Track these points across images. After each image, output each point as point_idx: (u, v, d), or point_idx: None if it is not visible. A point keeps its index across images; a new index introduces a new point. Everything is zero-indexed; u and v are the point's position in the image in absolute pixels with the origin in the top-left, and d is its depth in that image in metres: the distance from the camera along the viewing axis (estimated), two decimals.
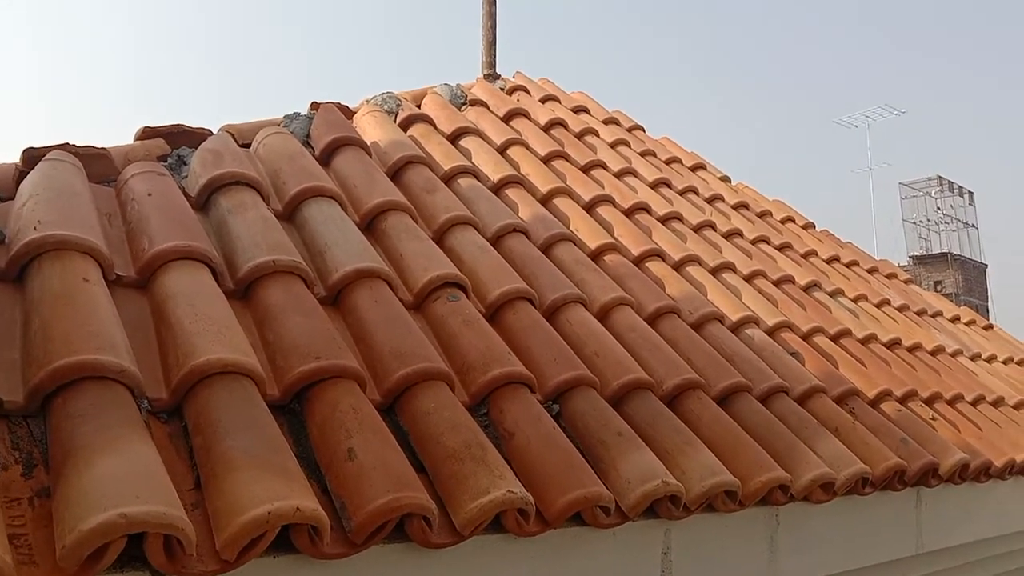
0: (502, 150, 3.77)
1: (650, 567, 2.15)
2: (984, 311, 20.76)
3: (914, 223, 23.15)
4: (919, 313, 4.82)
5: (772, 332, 3.37)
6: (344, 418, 1.75)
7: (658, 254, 3.46)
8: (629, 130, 4.95)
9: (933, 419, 3.36)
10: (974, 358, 4.56)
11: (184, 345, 1.72)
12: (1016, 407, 4.09)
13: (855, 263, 5.03)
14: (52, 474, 1.40)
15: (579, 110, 4.84)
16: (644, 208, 3.88)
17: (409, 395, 1.98)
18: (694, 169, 5.00)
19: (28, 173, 2.16)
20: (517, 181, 3.46)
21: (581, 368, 2.34)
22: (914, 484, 2.90)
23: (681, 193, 4.40)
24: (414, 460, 1.82)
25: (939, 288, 19.90)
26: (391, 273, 2.38)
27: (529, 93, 4.70)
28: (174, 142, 2.68)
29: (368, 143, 3.15)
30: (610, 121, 4.90)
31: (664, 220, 3.92)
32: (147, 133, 2.68)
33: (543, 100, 4.69)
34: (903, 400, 3.36)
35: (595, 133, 4.55)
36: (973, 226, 23.48)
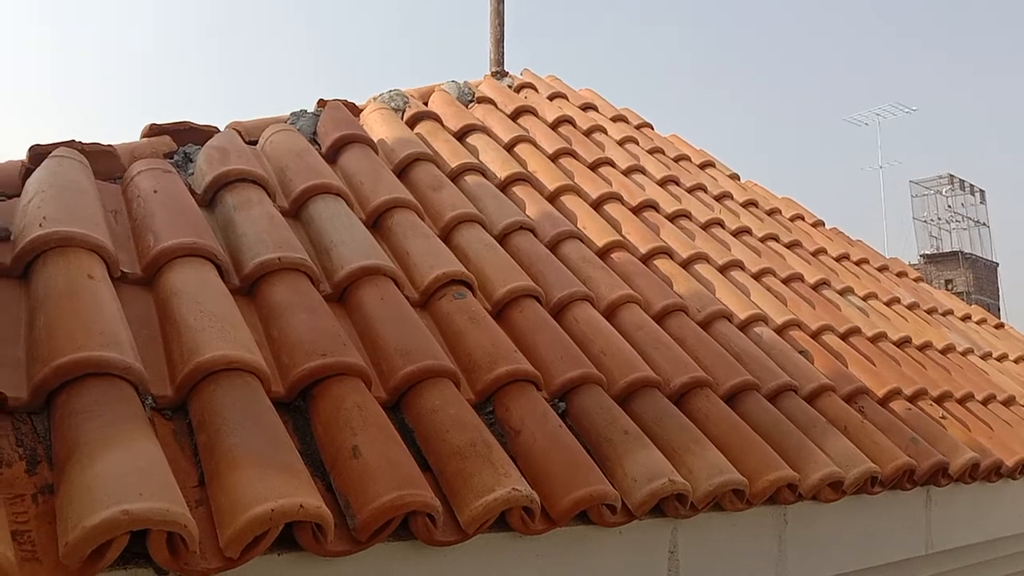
0: (509, 147, 3.76)
1: (657, 566, 2.14)
2: (995, 310, 20.65)
3: (925, 221, 23.05)
4: (929, 311, 4.79)
5: (781, 330, 3.35)
6: (349, 415, 1.74)
7: (666, 252, 3.44)
8: (637, 127, 4.94)
9: (943, 418, 3.33)
10: (985, 357, 4.52)
11: (189, 342, 1.72)
12: None
13: (865, 261, 4.99)
14: (56, 471, 1.40)
15: (587, 107, 4.82)
16: (652, 206, 3.87)
17: (414, 393, 1.97)
18: (703, 166, 4.98)
19: (34, 170, 2.16)
20: (524, 178, 3.45)
21: (588, 366, 2.32)
22: (924, 483, 2.88)
23: (689, 191, 4.38)
24: (419, 458, 1.81)
25: (950, 287, 19.79)
26: (397, 271, 2.37)
27: (537, 90, 4.69)
28: (180, 139, 2.68)
29: (375, 140, 3.15)
30: (618, 118, 4.88)
31: (672, 218, 3.90)
32: (153, 130, 2.68)
33: (551, 97, 4.68)
34: (913, 399, 3.33)
35: (603, 130, 4.54)
36: (984, 224, 23.35)
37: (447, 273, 2.43)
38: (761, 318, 3.29)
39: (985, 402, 3.78)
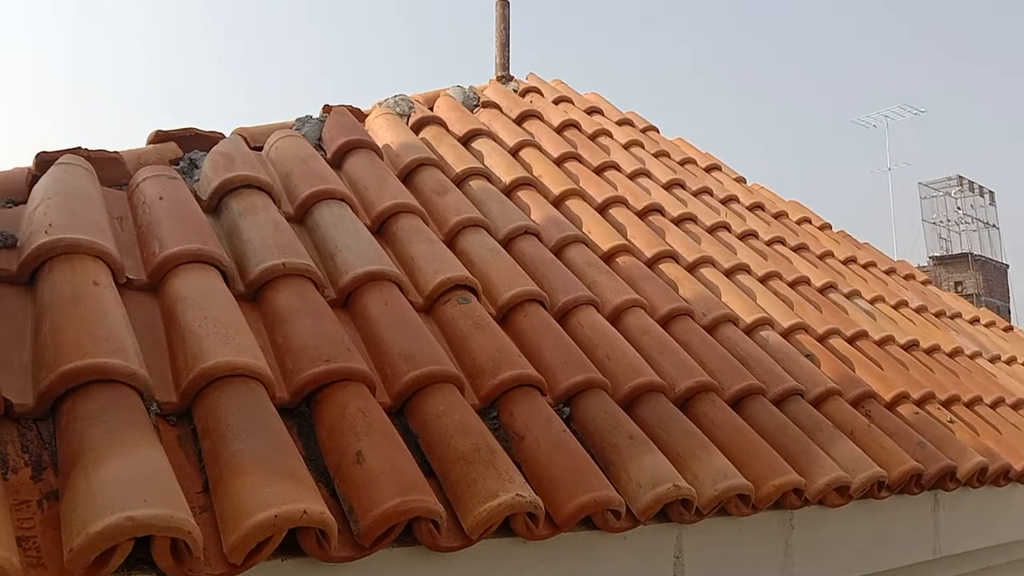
0: (514, 152, 3.77)
1: (662, 572, 2.13)
2: (1005, 312, 20.53)
3: (934, 223, 22.97)
4: (937, 314, 4.76)
5: (787, 334, 3.34)
6: (353, 421, 1.74)
7: (672, 256, 3.43)
8: (643, 131, 4.93)
9: (951, 422, 3.31)
10: (993, 360, 4.50)
11: (193, 348, 1.73)
12: None
13: (872, 264, 4.97)
14: (61, 477, 1.40)
15: (592, 111, 4.82)
16: (658, 209, 3.86)
17: (419, 398, 1.97)
18: (709, 170, 4.97)
19: (40, 177, 2.17)
20: (529, 183, 3.45)
21: (592, 371, 2.32)
22: (931, 488, 2.86)
23: (695, 194, 4.38)
24: (423, 463, 1.82)
25: (960, 289, 19.70)
26: (401, 276, 2.37)
27: (542, 94, 4.69)
28: (186, 145, 2.69)
29: (380, 146, 3.16)
30: (624, 122, 4.88)
31: (678, 221, 3.89)
32: (159, 137, 2.70)
33: (556, 101, 4.68)
34: (920, 403, 3.31)
35: (608, 134, 4.53)
36: (994, 226, 23.25)
37: (451, 278, 2.43)
38: (767, 322, 3.28)
39: (993, 406, 3.76)
